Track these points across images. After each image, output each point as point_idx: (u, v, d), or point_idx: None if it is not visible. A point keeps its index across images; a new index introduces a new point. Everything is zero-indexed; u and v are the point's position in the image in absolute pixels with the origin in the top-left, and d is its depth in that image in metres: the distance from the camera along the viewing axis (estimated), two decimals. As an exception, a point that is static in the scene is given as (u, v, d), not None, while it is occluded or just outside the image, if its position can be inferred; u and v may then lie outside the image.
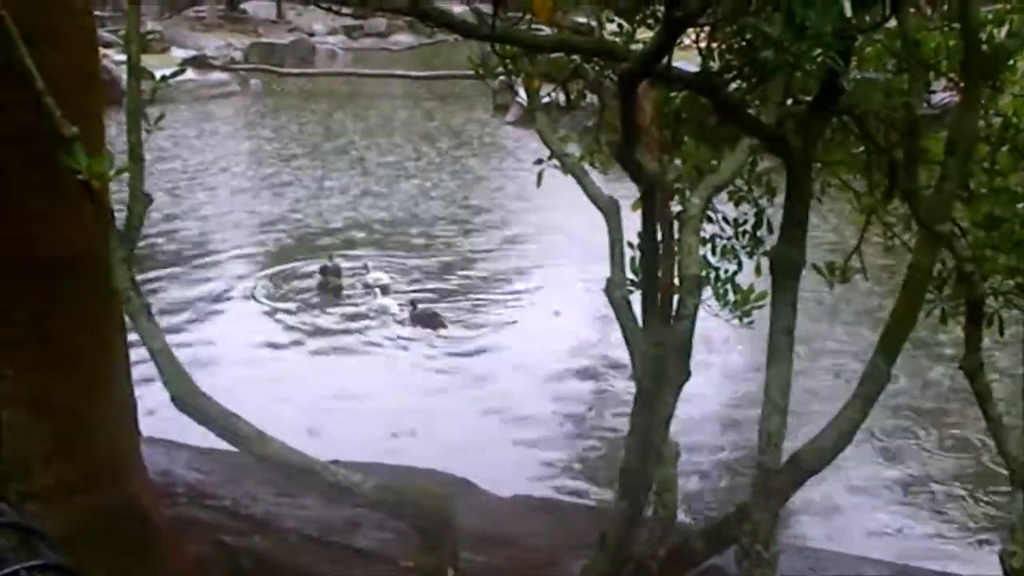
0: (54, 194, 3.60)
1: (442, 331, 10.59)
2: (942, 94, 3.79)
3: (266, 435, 3.19)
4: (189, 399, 3.11)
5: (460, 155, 19.78)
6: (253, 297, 11.83)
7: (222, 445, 3.45)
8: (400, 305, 11.17)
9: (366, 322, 11.10)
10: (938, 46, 3.47)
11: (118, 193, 3.35)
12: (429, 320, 10.73)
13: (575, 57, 3.90)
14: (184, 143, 20.23)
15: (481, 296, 12.12)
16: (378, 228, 14.75)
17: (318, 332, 10.91)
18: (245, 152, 20.47)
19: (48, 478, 3.75)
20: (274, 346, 10.50)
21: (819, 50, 2.24)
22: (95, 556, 3.77)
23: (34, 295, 3.72)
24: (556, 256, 13.04)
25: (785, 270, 2.98)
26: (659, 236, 3.53)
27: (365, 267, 12.23)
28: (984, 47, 3.05)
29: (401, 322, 10.88)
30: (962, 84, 3.14)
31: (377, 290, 11.60)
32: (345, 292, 11.94)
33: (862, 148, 3.92)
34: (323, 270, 12.03)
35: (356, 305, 11.57)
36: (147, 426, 4.50)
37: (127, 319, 3.50)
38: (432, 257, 13.43)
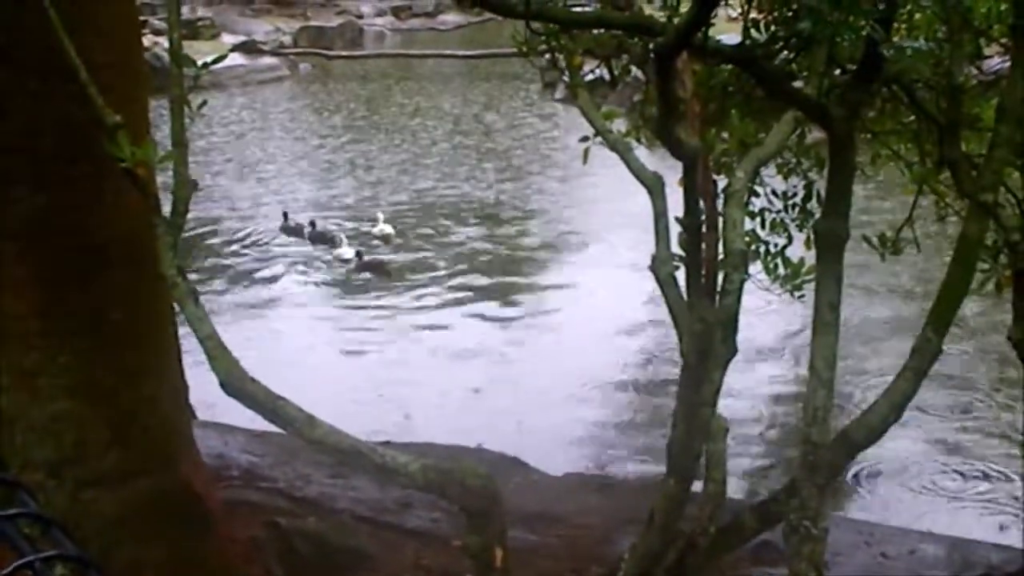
0: (103, 183, 3.64)
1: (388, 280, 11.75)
2: (997, 60, 3.72)
3: (315, 418, 3.19)
4: (238, 384, 3.13)
5: (508, 133, 19.75)
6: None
7: (275, 428, 3.47)
8: (357, 253, 12.24)
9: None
10: (989, 11, 3.40)
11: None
12: (375, 269, 11.89)
13: (618, 32, 3.87)
14: (233, 129, 20.40)
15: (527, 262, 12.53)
16: (418, 205, 14.96)
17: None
18: (295, 134, 20.57)
19: (105, 464, 3.79)
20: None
21: (859, 19, 2.19)
22: (150, 539, 3.83)
23: (88, 284, 3.75)
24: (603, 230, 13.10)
25: (829, 243, 2.94)
26: (703, 211, 3.49)
27: (374, 220, 13.43)
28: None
29: (352, 270, 12.05)
30: (1013, 49, 3.07)
31: (342, 238, 12.69)
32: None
33: (913, 117, 3.86)
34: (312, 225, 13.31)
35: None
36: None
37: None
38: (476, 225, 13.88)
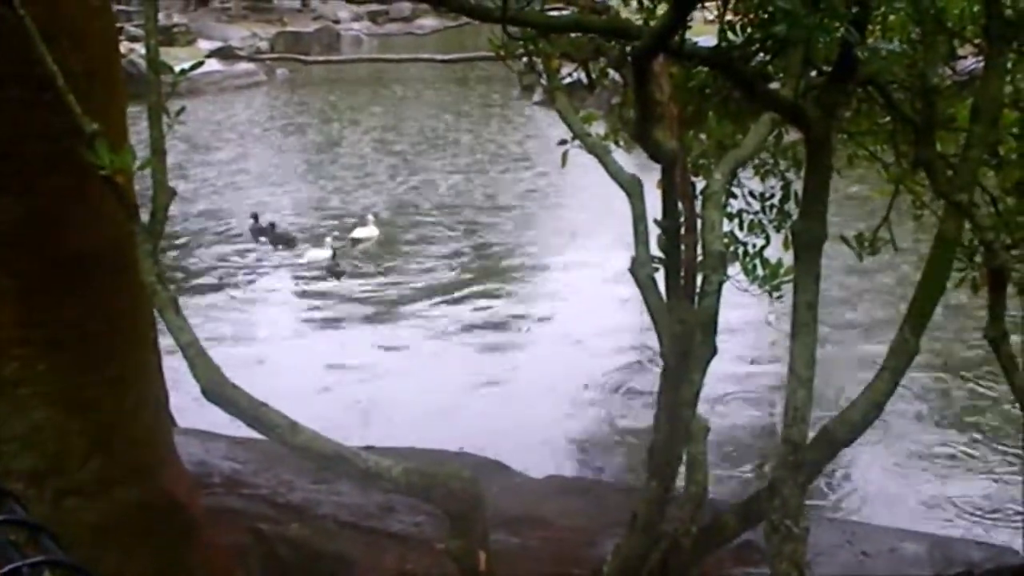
0: (83, 191, 3.62)
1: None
2: (970, 60, 3.75)
3: (297, 424, 3.18)
4: (219, 390, 3.12)
5: (485, 136, 19.77)
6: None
7: (257, 434, 3.46)
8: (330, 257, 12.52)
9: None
10: (962, 12, 3.43)
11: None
12: (333, 270, 12.31)
13: (595, 36, 3.88)
14: (211, 134, 20.35)
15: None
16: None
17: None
18: (271, 139, 20.53)
19: (86, 473, 3.77)
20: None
21: (833, 21, 2.21)
22: (133, 548, 3.81)
23: (69, 293, 3.73)
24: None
25: (807, 244, 2.96)
26: (681, 213, 3.51)
27: (366, 220, 13.79)
28: (1007, 11, 3.02)
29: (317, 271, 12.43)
30: (986, 50, 3.10)
31: (327, 240, 12.92)
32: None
33: (889, 118, 3.88)
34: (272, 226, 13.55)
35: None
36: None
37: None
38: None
